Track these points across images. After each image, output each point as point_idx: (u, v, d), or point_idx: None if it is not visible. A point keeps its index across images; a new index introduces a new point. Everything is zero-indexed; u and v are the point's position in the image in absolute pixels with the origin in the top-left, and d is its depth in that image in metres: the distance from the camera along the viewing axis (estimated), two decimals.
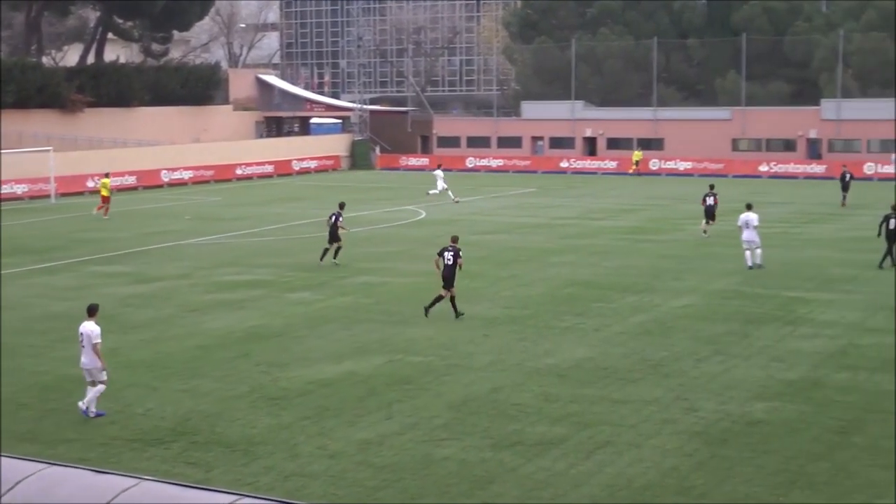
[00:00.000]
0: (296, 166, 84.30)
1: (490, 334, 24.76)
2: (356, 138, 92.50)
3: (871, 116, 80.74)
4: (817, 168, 79.43)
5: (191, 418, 18.28)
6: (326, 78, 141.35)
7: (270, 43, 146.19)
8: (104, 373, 18.69)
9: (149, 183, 70.96)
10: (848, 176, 58.61)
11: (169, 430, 17.66)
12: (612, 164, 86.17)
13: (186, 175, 74.40)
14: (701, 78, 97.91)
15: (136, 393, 19.93)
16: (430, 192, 62.23)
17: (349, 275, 33.55)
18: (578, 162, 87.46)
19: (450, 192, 61.29)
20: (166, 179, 72.92)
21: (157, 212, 55.06)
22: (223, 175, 76.92)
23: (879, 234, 34.86)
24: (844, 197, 56.59)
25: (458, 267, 26.87)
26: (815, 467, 15.49)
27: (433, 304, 26.82)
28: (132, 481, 9.09)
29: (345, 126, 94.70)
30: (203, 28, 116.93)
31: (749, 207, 35.41)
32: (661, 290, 30.41)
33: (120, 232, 45.63)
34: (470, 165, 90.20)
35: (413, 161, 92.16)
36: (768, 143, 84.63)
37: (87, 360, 18.63)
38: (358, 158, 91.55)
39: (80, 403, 18.58)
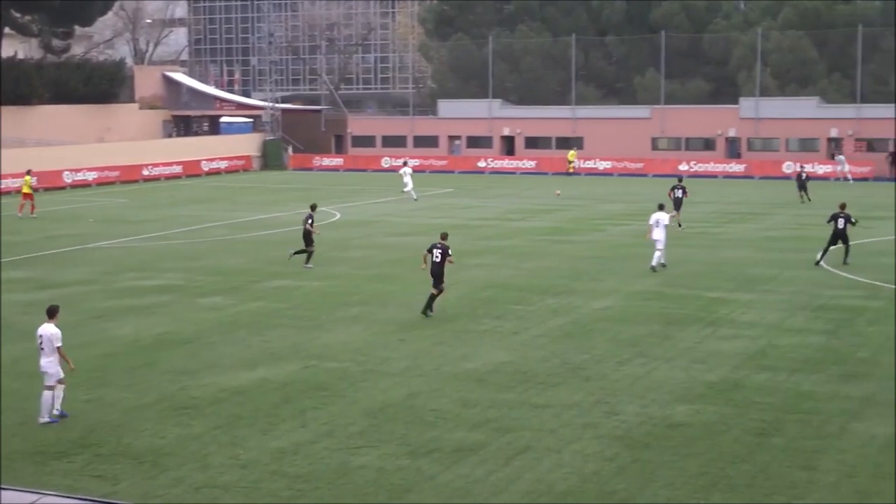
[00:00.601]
0: (205, 167, 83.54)
1: (406, 339, 24.76)
2: (268, 138, 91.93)
3: (789, 115, 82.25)
4: (737, 167, 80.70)
5: (96, 429, 18.01)
6: (237, 75, 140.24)
7: (178, 39, 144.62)
8: (62, 375, 18.51)
9: (50, 185, 69.73)
10: (804, 175, 61.14)
11: (73, 442, 17.37)
12: (530, 164, 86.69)
13: (90, 176, 73.33)
14: (620, 76, 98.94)
15: (38, 404, 19.57)
16: (406, 189, 62.66)
17: (262, 279, 33.33)
18: (496, 161, 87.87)
19: (412, 191, 62.09)
20: (69, 181, 71.79)
21: (60, 214, 54.19)
22: (129, 176, 75.95)
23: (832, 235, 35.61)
24: (802, 196, 58.93)
25: (446, 264, 27.35)
26: (735, 469, 15.73)
27: (428, 304, 27.18)
28: (32, 497, 8.89)
29: (256, 125, 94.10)
30: (106, 23, 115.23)
31: (661, 207, 35.76)
32: (580, 291, 30.66)
33: (20, 235, 44.81)
34: (385, 165, 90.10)
35: (327, 161, 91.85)
36: (688, 142, 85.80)
37: (45, 362, 18.45)
38: (270, 158, 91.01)
39: (44, 417, 18.26)
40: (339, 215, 52.57)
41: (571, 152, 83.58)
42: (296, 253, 35.99)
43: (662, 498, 14.74)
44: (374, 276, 33.86)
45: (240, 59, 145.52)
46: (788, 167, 78.66)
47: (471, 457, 16.37)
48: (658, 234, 34.55)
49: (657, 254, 34.60)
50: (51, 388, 18.47)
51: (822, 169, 78.36)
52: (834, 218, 35.55)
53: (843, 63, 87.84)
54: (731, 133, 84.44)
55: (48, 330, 18.59)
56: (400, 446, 16.92)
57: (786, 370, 21.46)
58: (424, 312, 27.20)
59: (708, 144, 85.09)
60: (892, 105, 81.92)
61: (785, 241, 41.59)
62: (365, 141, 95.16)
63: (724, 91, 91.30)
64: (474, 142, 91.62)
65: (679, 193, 45.75)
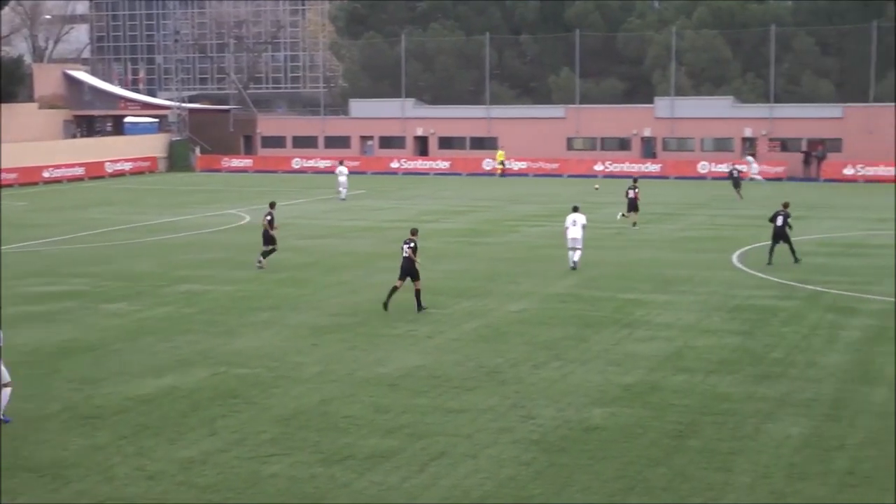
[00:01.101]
0: (109, 168, 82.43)
1: (319, 343, 24.68)
2: (174, 138, 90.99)
3: (704, 114, 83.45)
4: (652, 167, 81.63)
5: None
6: (141, 74, 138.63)
7: (79, 36, 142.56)
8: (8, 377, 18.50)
9: None
10: (736, 173, 63.35)
11: None
12: (444, 165, 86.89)
13: None
14: (534, 75, 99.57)
15: None
16: (340, 189, 63.20)
17: (169, 283, 32.99)
18: (409, 162, 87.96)
19: (343, 191, 62.71)
20: None
21: None
22: (29, 178, 74.66)
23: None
24: (738, 193, 61.41)
25: (414, 260, 27.95)
26: (652, 472, 15.92)
27: (389, 296, 28.13)
28: None
29: (162, 125, 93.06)
30: (3, 19, 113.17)
31: (575, 209, 36.17)
32: (496, 294, 30.80)
33: None
34: (296, 166, 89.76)
35: (236, 162, 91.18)
36: (603, 142, 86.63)
37: None
38: (176, 160, 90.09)
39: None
40: (248, 218, 52.20)
41: (500, 152, 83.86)
42: (263, 256, 36.03)
43: (579, 502, 14.86)
44: (285, 279, 33.70)
45: (145, 58, 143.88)
46: (703, 167, 79.86)
47: (384, 463, 16.37)
48: (575, 234, 35.09)
49: (577, 253, 35.15)
50: (7, 385, 18.47)
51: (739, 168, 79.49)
52: (774, 216, 36.45)
53: (756, 63, 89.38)
54: (647, 133, 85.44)
55: None
56: (312, 454, 16.86)
57: (702, 371, 21.77)
58: (385, 306, 28.13)
59: (623, 144, 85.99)
60: (805, 105, 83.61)
61: (701, 242, 42.19)
62: (275, 141, 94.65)
63: (639, 90, 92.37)
64: (387, 142, 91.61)
65: (632, 194, 47.01)
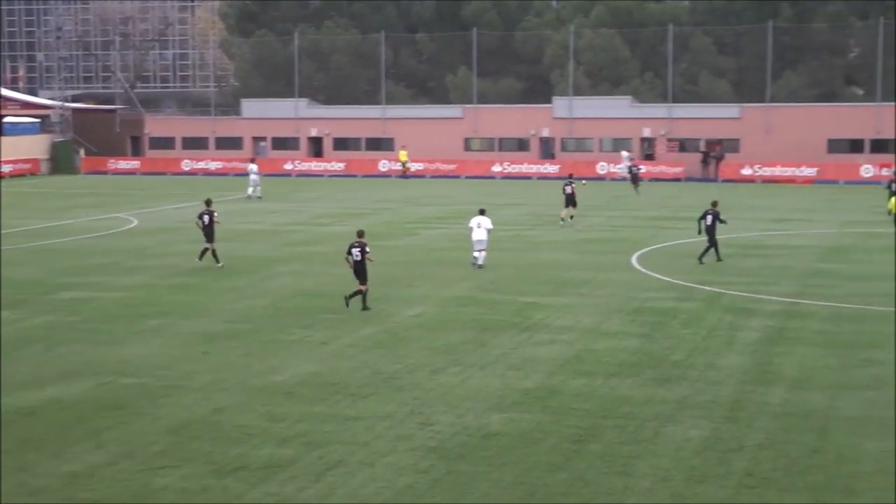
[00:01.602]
0: None
1: (210, 351, 24.44)
2: (57, 139, 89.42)
3: (602, 114, 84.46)
4: (551, 168, 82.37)
5: None
6: (21, 72, 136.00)
7: None
8: None
9: None
10: (635, 170, 67.20)
11: None
12: (339, 166, 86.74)
13: None
14: (431, 74, 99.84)
15: None
16: (251, 188, 64.88)
17: (52, 290, 32.40)
18: (304, 164, 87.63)
19: (253, 189, 64.32)
20: None
21: None
22: None
23: (700, 232, 37.71)
24: (636, 188, 65.40)
25: (366, 261, 29.14)
26: (552, 478, 16.05)
27: (352, 296, 29.17)
28: None
29: (44, 126, 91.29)
30: None
31: (482, 212, 36.89)
32: (393, 298, 30.80)
33: None
34: (186, 168, 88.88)
35: (123, 164, 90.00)
36: (501, 143, 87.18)
37: None
38: (59, 162, 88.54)
39: None
40: (136, 222, 51.53)
41: (403, 152, 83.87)
42: (208, 256, 36.98)
43: None
44: (175, 285, 33.33)
45: (25, 55, 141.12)
46: (602, 168, 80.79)
47: (280, 473, 16.27)
48: (479, 236, 36.04)
49: (482, 254, 36.21)
50: None
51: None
52: (703, 215, 37.52)
53: (655, 62, 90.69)
54: (545, 133, 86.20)
55: None
56: (205, 465, 16.70)
57: (602, 375, 22.01)
58: (365, 307, 28.98)
59: (521, 145, 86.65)
60: (703, 105, 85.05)
61: (600, 244, 42.67)
62: (163, 142, 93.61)
63: (538, 90, 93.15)
64: (280, 143, 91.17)
65: (569, 190, 49.32)
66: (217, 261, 36.79)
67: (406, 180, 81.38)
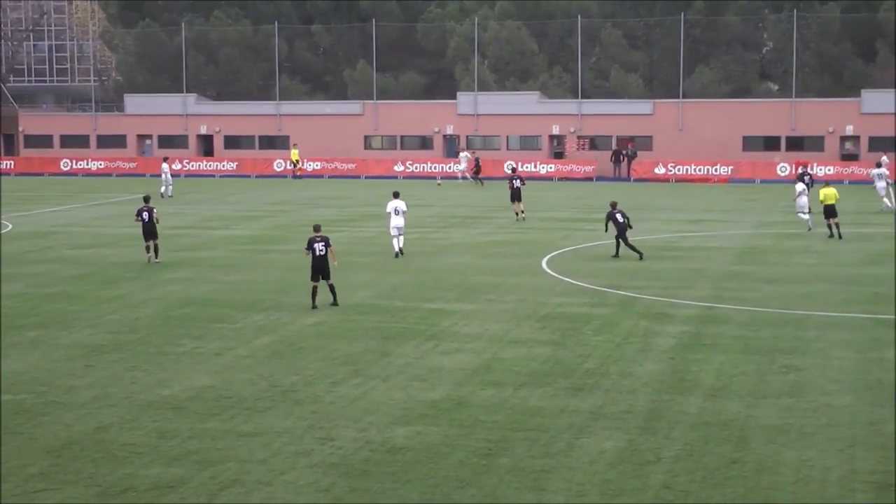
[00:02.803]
0: None
1: (94, 364, 24.08)
2: None
3: (509, 111, 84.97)
4: (455, 166, 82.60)
5: None
6: None
7: None
8: None
9: None
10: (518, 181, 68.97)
11: None
12: (231, 166, 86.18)
13: None
14: (328, 68, 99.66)
15: None
16: (165, 188, 67.21)
17: None
18: (193, 163, 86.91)
19: (166, 188, 66.76)
20: None
21: None
22: None
23: (606, 230, 40.37)
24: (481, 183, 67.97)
25: (330, 255, 30.20)
26: (461, 494, 16.07)
27: (314, 297, 29.94)
28: None
29: None
30: None
31: (396, 195, 40.60)
32: (289, 306, 30.64)
33: None
34: (65, 168, 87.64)
35: None
36: (403, 141, 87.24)
37: None
38: None
39: None
40: (10, 226, 50.64)
41: (294, 151, 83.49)
42: (156, 256, 38.88)
43: None
44: (54, 294, 32.80)
45: None
46: (509, 167, 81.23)
47: (170, 494, 16.08)
48: (398, 222, 39.54)
49: (395, 241, 39.82)
50: None
51: (544, 168, 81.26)
52: (611, 217, 39.28)
53: (563, 56, 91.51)
54: (449, 130, 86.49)
55: None
56: (88, 487, 16.44)
57: (512, 385, 22.08)
58: (314, 305, 29.92)
59: (425, 143, 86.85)
60: (614, 101, 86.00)
61: (508, 246, 42.87)
62: (40, 141, 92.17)
63: (441, 85, 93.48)
64: (167, 141, 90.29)
65: (518, 183, 52.08)
66: (156, 256, 38.87)
67: (299, 181, 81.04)
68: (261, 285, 34.27)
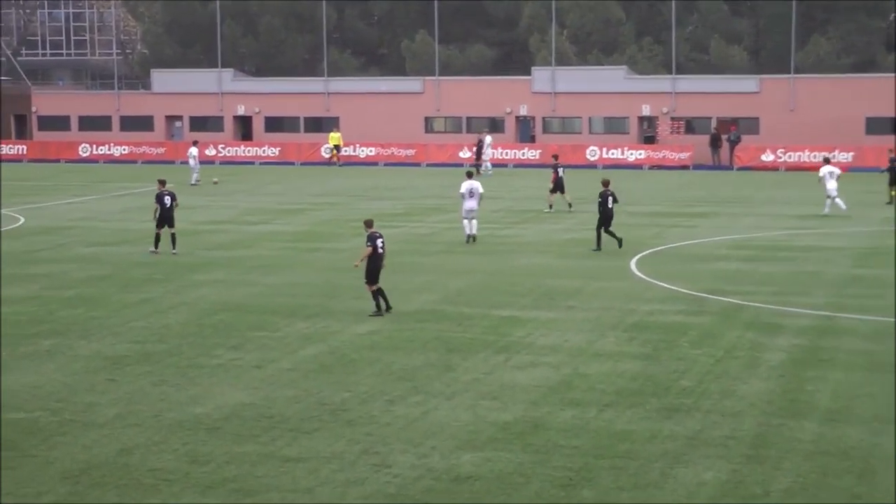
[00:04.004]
0: None
1: (117, 378, 24.29)
2: None
3: (592, 88, 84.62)
4: (530, 153, 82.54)
5: None
6: None
7: None
8: None
9: None
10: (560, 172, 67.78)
11: None
12: (272, 152, 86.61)
13: None
14: (384, 40, 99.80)
15: None
16: (194, 177, 68.55)
17: None
18: (229, 149, 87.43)
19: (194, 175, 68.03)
20: None
21: None
22: None
23: (601, 213, 41.34)
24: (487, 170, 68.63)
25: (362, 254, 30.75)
26: None
27: (378, 303, 30.35)
28: None
29: None
30: None
31: (470, 175, 43.63)
32: (339, 312, 30.72)
33: None
34: (84, 154, 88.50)
35: (5, 149, 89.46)
36: (469, 123, 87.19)
37: None
38: None
39: None
40: (22, 220, 51.19)
41: (334, 134, 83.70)
42: (174, 247, 40.48)
43: None
44: (72, 297, 33.11)
45: None
46: (593, 153, 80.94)
47: None
48: (472, 205, 42.43)
49: (465, 222, 42.70)
50: None
51: (632, 155, 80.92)
52: (603, 198, 40.78)
53: (654, 26, 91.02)
54: (523, 111, 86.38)
55: None
56: None
57: (595, 405, 21.99)
58: (383, 310, 30.33)
59: (494, 125, 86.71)
60: (714, 77, 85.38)
61: (591, 244, 42.69)
62: (56, 122, 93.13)
63: (514, 59, 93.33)
64: (200, 123, 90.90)
65: (561, 172, 53.75)
66: (174, 246, 40.49)
67: (344, 168, 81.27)
68: (306, 288, 34.38)
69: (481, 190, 42.94)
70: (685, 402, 22.15)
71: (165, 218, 40.43)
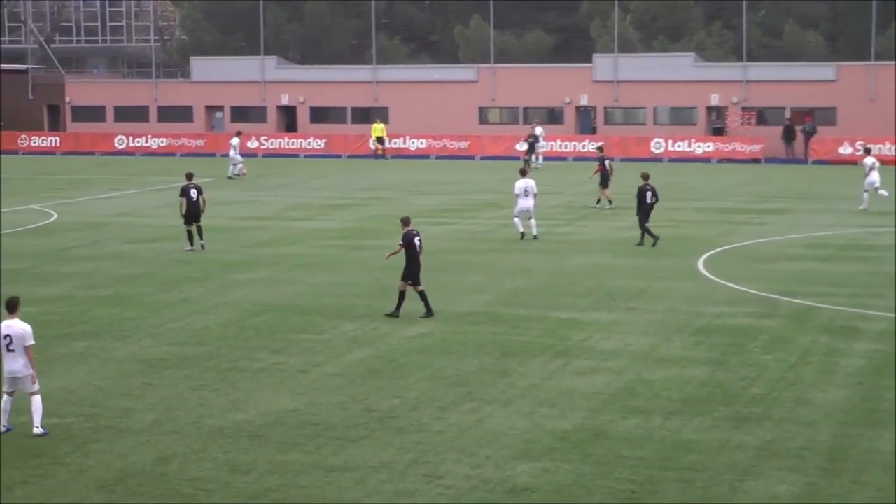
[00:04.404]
0: None
1: (155, 382, 24.41)
2: None
3: (657, 77, 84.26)
4: (591, 145, 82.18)
5: None
6: None
7: None
8: (36, 382, 20.75)
9: None
10: (532, 140, 71.12)
11: None
12: (317, 144, 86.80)
13: None
14: (436, 26, 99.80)
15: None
16: (235, 169, 68.96)
17: None
18: (272, 141, 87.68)
19: (232, 167, 68.62)
20: None
21: None
22: None
23: (639, 210, 41.99)
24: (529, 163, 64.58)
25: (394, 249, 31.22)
26: None
27: (400, 305, 30.28)
28: None
29: None
30: None
31: (523, 174, 43.83)
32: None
33: None
34: (120, 146, 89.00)
35: (37, 141, 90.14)
36: (526, 113, 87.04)
37: (17, 366, 20.59)
38: None
39: (36, 428, 20.59)
40: (56, 215, 51.52)
41: (378, 126, 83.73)
42: (201, 237, 41.31)
43: None
44: (107, 297, 33.30)
45: None
46: (658, 146, 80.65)
47: None
48: (526, 204, 42.67)
49: (532, 221, 42.99)
50: (34, 393, 20.67)
51: (700, 147, 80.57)
52: (642, 192, 41.34)
53: (724, 9, 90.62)
54: (583, 101, 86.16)
55: (17, 327, 20.66)
56: None
57: (660, 413, 21.93)
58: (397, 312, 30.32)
59: (553, 116, 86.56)
60: (788, 64, 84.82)
61: (651, 241, 42.56)
62: (91, 113, 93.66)
63: (573, 46, 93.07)
64: (241, 114, 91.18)
65: (608, 164, 53.80)
66: (200, 238, 41.20)
67: (391, 161, 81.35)
68: (353, 288, 34.43)
69: (535, 189, 43.16)
70: (756, 411, 22.06)
71: (192, 213, 40.96)
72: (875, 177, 51.88)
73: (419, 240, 30.58)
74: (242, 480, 18.57)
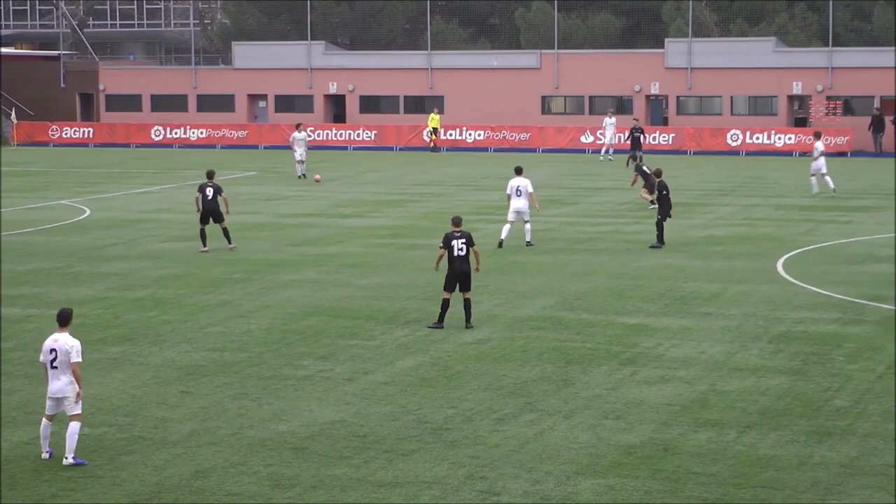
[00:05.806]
0: None
1: (192, 390, 24.54)
2: None
3: (735, 63, 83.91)
4: (662, 137, 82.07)
5: None
6: None
7: None
8: (79, 403, 20.38)
9: None
10: (638, 133, 71.76)
11: None
12: (367, 135, 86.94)
13: None
14: (495, 8, 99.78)
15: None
16: (299, 164, 66.88)
17: None
18: (319, 132, 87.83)
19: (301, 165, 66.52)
20: None
21: None
22: None
23: (665, 214, 41.88)
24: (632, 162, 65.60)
25: (473, 258, 30.05)
26: None
27: (442, 315, 29.75)
28: None
29: None
30: None
31: (519, 172, 41.71)
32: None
33: None
34: (157, 138, 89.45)
35: (69, 132, 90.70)
36: (593, 102, 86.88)
37: (60, 384, 20.26)
38: None
39: (66, 458, 19.92)
40: (88, 212, 51.83)
41: (433, 116, 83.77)
42: (229, 241, 41.44)
43: None
44: (142, 299, 33.49)
45: None
46: (735, 138, 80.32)
47: None
48: (519, 205, 41.05)
49: (527, 226, 41.45)
50: (75, 417, 20.20)
51: (781, 139, 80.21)
52: (666, 189, 41.70)
53: None
54: (654, 89, 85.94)
55: (64, 342, 20.35)
56: None
57: (735, 427, 21.88)
58: (440, 323, 29.81)
59: (621, 105, 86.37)
60: (877, 49, 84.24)
61: (732, 243, 42.42)
62: (126, 102, 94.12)
63: (644, 30, 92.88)
64: (287, 103, 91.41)
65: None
66: (228, 240, 41.25)
67: (444, 154, 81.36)
68: (405, 291, 34.48)
69: (530, 189, 41.24)
70: (839, 425, 21.97)
71: (208, 212, 41.05)
72: (822, 162, 55.29)
73: (464, 242, 29.69)
74: (285, 496, 18.66)
